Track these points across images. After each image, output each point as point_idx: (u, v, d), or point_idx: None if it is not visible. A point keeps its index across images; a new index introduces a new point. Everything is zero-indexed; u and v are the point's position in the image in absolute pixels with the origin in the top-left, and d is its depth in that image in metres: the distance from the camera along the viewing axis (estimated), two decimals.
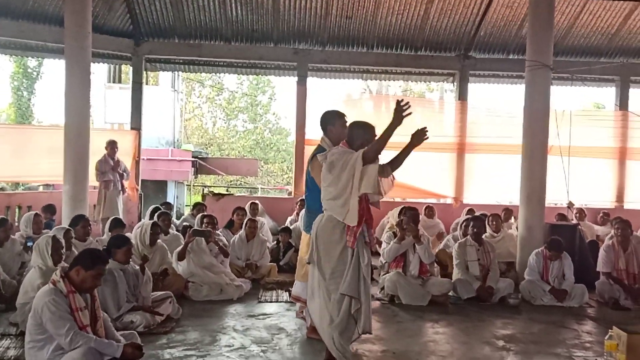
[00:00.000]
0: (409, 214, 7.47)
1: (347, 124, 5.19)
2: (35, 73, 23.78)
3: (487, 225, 9.24)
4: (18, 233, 7.87)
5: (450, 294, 7.51)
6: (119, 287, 5.86)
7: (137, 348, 4.27)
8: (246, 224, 8.63)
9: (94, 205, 10.81)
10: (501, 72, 13.58)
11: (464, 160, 13.02)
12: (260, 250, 8.65)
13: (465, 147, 13.00)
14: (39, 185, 16.20)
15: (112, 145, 10.90)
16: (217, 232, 8.03)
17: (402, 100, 4.63)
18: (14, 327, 5.63)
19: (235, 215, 9.54)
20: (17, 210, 11.39)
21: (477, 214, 9.82)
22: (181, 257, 7.43)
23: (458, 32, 12.84)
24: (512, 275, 8.43)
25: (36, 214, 8.02)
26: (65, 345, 4.03)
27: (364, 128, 4.70)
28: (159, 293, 6.35)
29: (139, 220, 11.40)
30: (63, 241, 5.97)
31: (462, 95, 13.25)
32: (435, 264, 7.98)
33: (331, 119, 5.36)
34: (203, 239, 7.51)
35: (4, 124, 21.40)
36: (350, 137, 4.66)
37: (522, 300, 7.48)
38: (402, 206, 9.04)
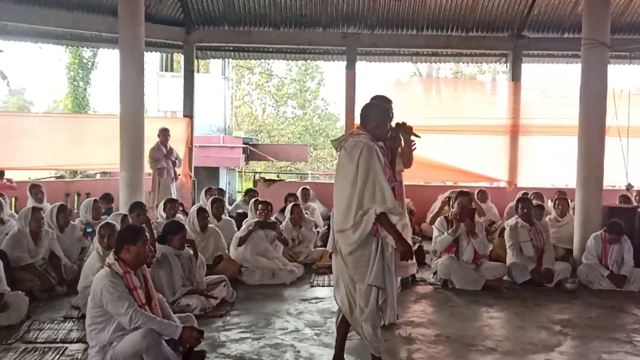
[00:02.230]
0: (464, 205, 7.27)
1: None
2: (90, 63, 24.31)
3: (553, 209, 9.11)
4: (78, 219, 8.12)
5: (504, 278, 7.40)
6: (174, 272, 6.01)
7: (196, 332, 4.32)
8: (292, 210, 8.66)
9: (149, 192, 11.05)
10: (556, 52, 13.22)
11: (517, 142, 12.73)
12: (309, 235, 8.68)
13: (519, 129, 12.70)
14: (96, 173, 16.66)
15: (164, 133, 11.10)
16: (271, 217, 8.09)
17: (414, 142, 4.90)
18: (76, 310, 5.83)
19: (287, 201, 9.60)
20: (75, 197, 11.75)
21: (529, 195, 9.62)
22: (241, 243, 7.53)
23: (510, 11, 12.52)
24: (570, 261, 8.24)
25: (95, 200, 8.26)
26: (126, 324, 4.13)
27: (379, 109, 4.50)
28: (214, 277, 6.48)
29: (193, 206, 11.59)
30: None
31: (515, 76, 12.95)
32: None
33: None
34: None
35: (62, 113, 22.01)
36: (364, 116, 4.41)
37: (580, 285, 7.32)
38: (457, 191, 8.91)
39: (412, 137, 4.91)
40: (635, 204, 10.02)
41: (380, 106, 4.57)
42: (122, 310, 4.12)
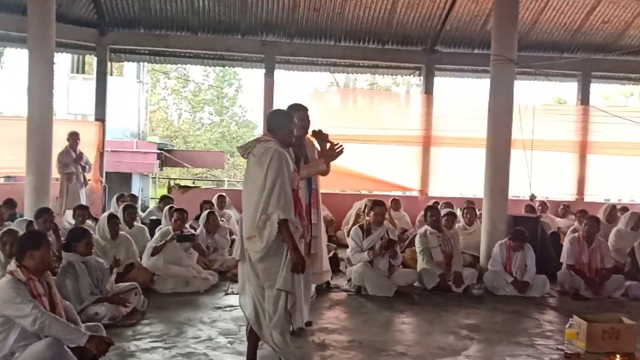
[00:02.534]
0: (385, 238, 7.47)
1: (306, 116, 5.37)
2: None
3: (461, 217, 9.47)
4: None
5: (415, 284, 7.62)
6: (81, 280, 5.80)
7: (104, 342, 4.16)
8: (207, 218, 8.57)
9: (57, 198, 10.62)
10: (466, 66, 13.73)
11: (429, 153, 13.14)
12: (223, 242, 8.61)
13: (431, 140, 13.13)
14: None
15: (74, 137, 10.73)
16: (186, 225, 7.97)
17: (339, 144, 5.18)
18: None
19: (202, 208, 9.49)
20: None
21: (439, 204, 9.94)
22: (155, 253, 7.37)
23: (425, 26, 12.94)
24: (477, 268, 8.57)
25: None
26: (29, 325, 3.95)
27: (286, 116, 4.58)
28: (124, 284, 6.31)
29: (103, 212, 11.25)
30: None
31: (428, 89, 13.39)
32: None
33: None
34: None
35: None
36: (271, 123, 4.46)
37: (486, 291, 7.62)
38: (372, 200, 9.09)
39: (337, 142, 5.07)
40: (538, 214, 10.56)
41: (286, 113, 4.64)
42: (26, 312, 3.95)
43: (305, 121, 5.36)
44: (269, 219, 4.07)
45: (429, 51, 13.17)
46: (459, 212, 11.12)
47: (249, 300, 4.30)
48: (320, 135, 5.37)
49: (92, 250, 6.06)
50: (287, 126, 4.47)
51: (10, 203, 9.40)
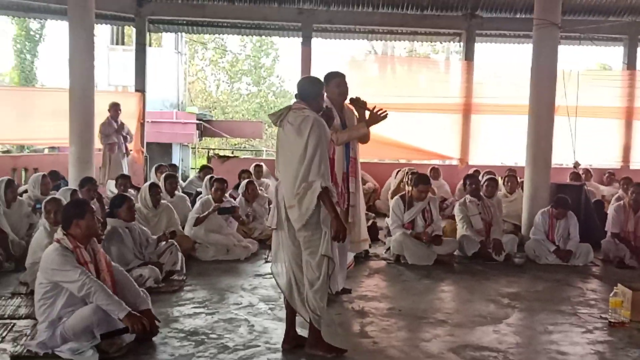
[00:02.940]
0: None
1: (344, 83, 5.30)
2: (37, 35, 23.55)
3: (502, 186, 9.34)
4: (25, 194, 7.91)
5: (455, 253, 7.56)
6: (126, 243, 5.99)
7: (140, 322, 4.10)
8: (246, 187, 8.63)
9: (100, 168, 10.83)
10: (508, 32, 13.44)
11: (469, 121, 12.93)
12: (262, 211, 8.66)
13: (472, 108, 12.90)
14: (44, 148, 16.24)
15: (115, 108, 10.88)
16: (226, 195, 8.05)
17: (382, 109, 5.18)
18: (24, 287, 5.69)
19: (240, 178, 9.55)
20: (23, 172, 11.44)
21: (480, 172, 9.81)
22: (198, 224, 7.47)
23: None
24: (519, 236, 8.46)
25: (44, 175, 8.05)
26: (77, 290, 4.05)
27: (318, 83, 4.53)
28: (161, 244, 6.41)
29: (145, 182, 11.44)
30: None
31: (468, 56, 13.13)
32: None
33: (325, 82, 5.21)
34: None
35: (8, 86, 21.30)
36: (304, 90, 4.38)
37: (527, 259, 7.52)
38: (412, 170, 9.06)
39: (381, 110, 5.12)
40: (582, 181, 10.33)
41: (317, 80, 4.60)
42: (74, 278, 4.05)
43: (343, 88, 5.31)
44: (310, 187, 4.05)
45: (469, 16, 12.86)
46: (500, 181, 11.00)
47: (282, 269, 4.32)
48: (358, 102, 5.34)
49: (135, 217, 6.22)
50: (319, 92, 4.44)
51: (55, 175, 9.63)
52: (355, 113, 5.50)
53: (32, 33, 23.35)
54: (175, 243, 6.48)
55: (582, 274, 7.10)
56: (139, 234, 6.20)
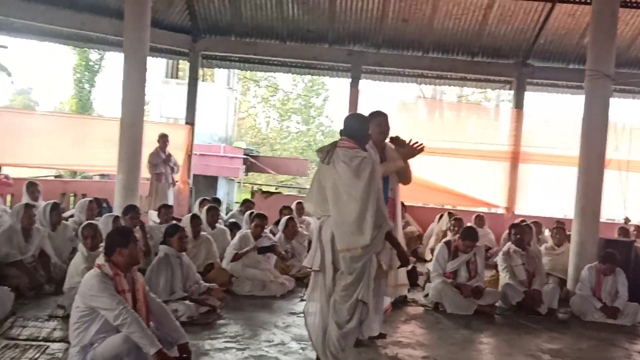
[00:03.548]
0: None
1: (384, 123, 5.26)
2: (96, 66, 24.43)
3: (550, 237, 9.16)
4: (71, 219, 8.07)
5: (497, 304, 7.34)
6: (175, 273, 6.08)
7: None
8: (286, 224, 8.62)
9: (146, 197, 11.00)
10: (560, 81, 13.27)
11: (517, 170, 12.71)
12: (301, 249, 8.62)
13: (520, 157, 12.69)
14: (93, 175, 16.64)
15: (163, 139, 11.10)
16: (265, 230, 8.06)
17: (418, 142, 5.16)
18: (61, 310, 5.76)
19: (281, 214, 9.56)
20: (71, 197, 11.72)
21: (520, 222, 9.58)
22: (235, 260, 7.49)
23: (517, 38, 12.60)
24: (563, 291, 8.18)
25: (90, 200, 8.23)
26: (112, 319, 4.04)
27: (365, 120, 4.63)
28: (205, 285, 6.43)
29: (189, 213, 11.56)
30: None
31: (518, 104, 13.00)
32: None
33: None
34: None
35: (65, 113, 22.04)
36: (353, 127, 4.46)
37: (572, 316, 7.24)
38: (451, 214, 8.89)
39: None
40: (633, 238, 9.98)
41: (363, 116, 4.66)
42: (112, 306, 4.06)
43: (384, 127, 5.27)
44: (379, 231, 4.02)
45: (520, 64, 12.79)
46: (547, 232, 10.73)
47: (314, 309, 4.24)
48: (398, 140, 5.32)
49: (186, 247, 6.33)
50: (366, 130, 4.47)
51: (98, 200, 9.84)
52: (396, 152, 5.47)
53: (91, 63, 24.22)
54: (217, 287, 6.49)
55: (629, 334, 6.78)
56: (187, 267, 6.27)
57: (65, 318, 5.37)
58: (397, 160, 5.19)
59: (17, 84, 34.25)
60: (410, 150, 5.18)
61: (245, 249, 7.52)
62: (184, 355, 4.38)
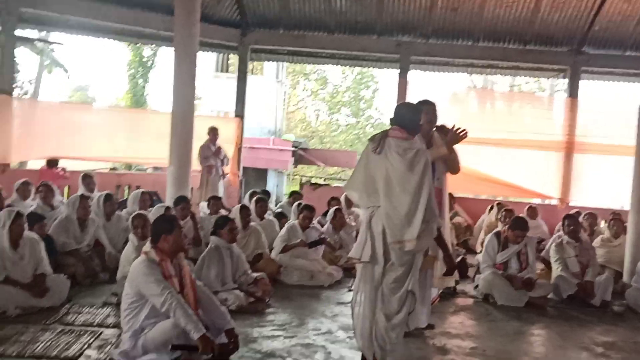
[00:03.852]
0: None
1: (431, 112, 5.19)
2: (150, 61, 24.95)
3: (607, 229, 9.00)
4: (125, 210, 8.28)
5: (549, 296, 7.18)
6: (226, 264, 6.19)
7: (211, 347, 4.13)
8: (334, 215, 8.63)
9: (197, 189, 11.18)
10: (616, 69, 12.85)
11: (572, 160, 12.39)
12: (349, 240, 8.62)
13: (575, 147, 12.36)
14: (147, 168, 17.03)
15: (213, 132, 11.25)
16: (313, 222, 8.10)
17: (461, 128, 4.99)
18: (115, 297, 5.91)
19: (330, 205, 9.57)
20: (126, 189, 12.03)
21: (575, 213, 9.34)
22: (285, 251, 7.57)
23: (571, 25, 12.25)
24: (619, 284, 7.95)
25: (143, 192, 8.42)
26: (159, 305, 4.14)
27: (417, 109, 4.54)
28: (253, 274, 6.50)
29: (239, 204, 11.70)
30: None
31: (572, 92, 12.67)
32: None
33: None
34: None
35: (119, 107, 22.58)
36: (405, 117, 4.33)
37: (627, 308, 7.02)
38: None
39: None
40: None
41: (415, 106, 4.58)
42: (157, 292, 4.16)
43: (431, 116, 5.20)
44: (428, 228, 3.99)
45: (575, 52, 12.45)
46: (603, 224, 10.43)
47: (361, 299, 4.21)
48: (443, 129, 5.24)
49: (236, 239, 6.43)
50: (418, 120, 4.38)
51: (150, 192, 10.08)
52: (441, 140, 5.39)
53: (144, 59, 24.73)
54: (266, 276, 6.54)
55: None
56: (237, 257, 6.37)
57: (118, 305, 5.47)
58: (441, 147, 5.11)
59: (74, 81, 35.33)
60: (453, 136, 5.08)
61: (295, 242, 7.58)
62: (231, 341, 4.44)
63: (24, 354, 4.33)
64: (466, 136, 5.07)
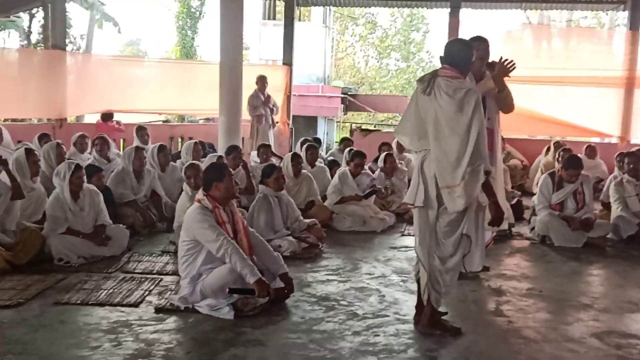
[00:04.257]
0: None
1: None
2: (197, 12, 24.88)
3: None
4: (179, 160, 8.41)
5: (608, 236, 7.00)
6: (274, 212, 6.22)
7: (267, 290, 4.20)
8: (385, 160, 8.57)
9: (248, 138, 11.25)
10: None
11: (633, 96, 11.88)
12: (401, 185, 8.56)
13: (636, 82, 11.83)
14: (199, 119, 17.21)
15: (262, 81, 11.20)
16: (365, 167, 8.06)
17: (509, 60, 4.84)
18: (173, 246, 6.05)
19: (380, 151, 9.51)
20: (179, 140, 12.22)
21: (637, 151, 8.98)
22: (340, 203, 7.58)
23: None
24: None
25: (195, 142, 8.51)
26: (214, 250, 4.23)
27: (470, 46, 4.22)
28: (306, 220, 6.54)
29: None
30: None
31: (633, 25, 12.04)
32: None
33: None
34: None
35: (169, 59, 22.71)
36: (457, 55, 4.06)
37: None
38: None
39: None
40: None
41: (468, 42, 4.30)
42: (212, 237, 4.24)
43: (482, 52, 4.97)
44: (475, 171, 3.87)
45: None
46: None
47: (425, 249, 4.14)
48: (493, 66, 5.04)
49: (283, 186, 6.45)
50: (470, 58, 4.13)
51: (202, 144, 10.18)
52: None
53: (192, 10, 24.68)
54: (318, 222, 6.56)
55: None
56: (286, 205, 6.40)
57: (176, 253, 5.62)
58: (488, 81, 4.91)
59: (126, 35, 35.69)
60: (500, 68, 4.88)
61: (349, 195, 7.58)
62: (286, 285, 4.52)
63: (88, 301, 4.48)
64: (515, 68, 4.86)
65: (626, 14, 12.52)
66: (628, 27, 12.25)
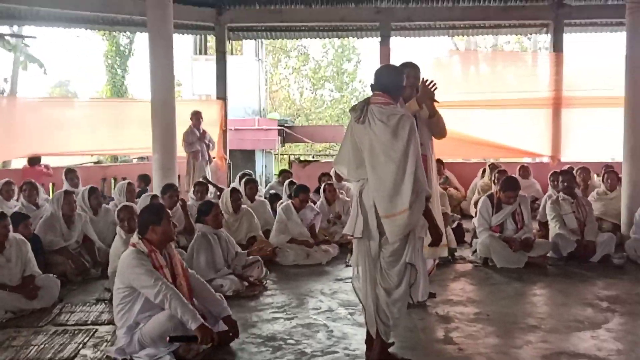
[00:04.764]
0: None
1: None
2: (127, 50, 24.48)
3: (601, 182, 8.94)
4: (112, 202, 8.11)
5: (548, 255, 7.10)
6: (215, 251, 6.02)
7: (210, 336, 4.01)
8: (325, 189, 8.50)
9: (185, 176, 11.01)
10: (599, 19, 12.67)
11: (560, 115, 12.25)
12: (343, 213, 8.50)
13: (562, 102, 12.22)
14: (133, 158, 16.79)
15: (196, 116, 11.03)
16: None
17: (429, 80, 4.85)
18: (109, 293, 5.75)
19: (320, 181, 9.44)
20: (112, 181, 11.84)
21: (568, 169, 9.28)
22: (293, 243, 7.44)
23: None
24: (617, 236, 7.89)
25: (129, 182, 8.27)
26: (153, 296, 4.02)
27: (400, 72, 4.18)
28: (248, 258, 6.37)
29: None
30: None
31: (557, 47, 12.48)
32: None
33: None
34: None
35: (99, 99, 22.21)
36: (386, 81, 4.02)
37: (628, 260, 6.97)
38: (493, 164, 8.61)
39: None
40: None
41: (398, 68, 4.28)
42: (149, 283, 4.03)
43: (411, 80, 4.96)
44: (418, 198, 3.80)
45: (556, 5, 12.23)
46: (596, 178, 10.38)
47: (367, 284, 4.01)
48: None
49: (222, 223, 6.25)
50: (401, 83, 4.10)
51: (145, 178, 9.93)
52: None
53: (122, 48, 24.28)
54: (260, 259, 6.39)
55: None
56: (226, 242, 6.20)
57: (112, 301, 5.38)
58: (412, 105, 4.85)
59: (53, 77, 34.78)
60: (423, 89, 4.88)
61: (303, 240, 7.42)
62: (231, 328, 4.34)
63: (18, 359, 4.18)
64: (436, 88, 4.88)
65: (549, 37, 12.96)
66: (551, 49, 12.69)
